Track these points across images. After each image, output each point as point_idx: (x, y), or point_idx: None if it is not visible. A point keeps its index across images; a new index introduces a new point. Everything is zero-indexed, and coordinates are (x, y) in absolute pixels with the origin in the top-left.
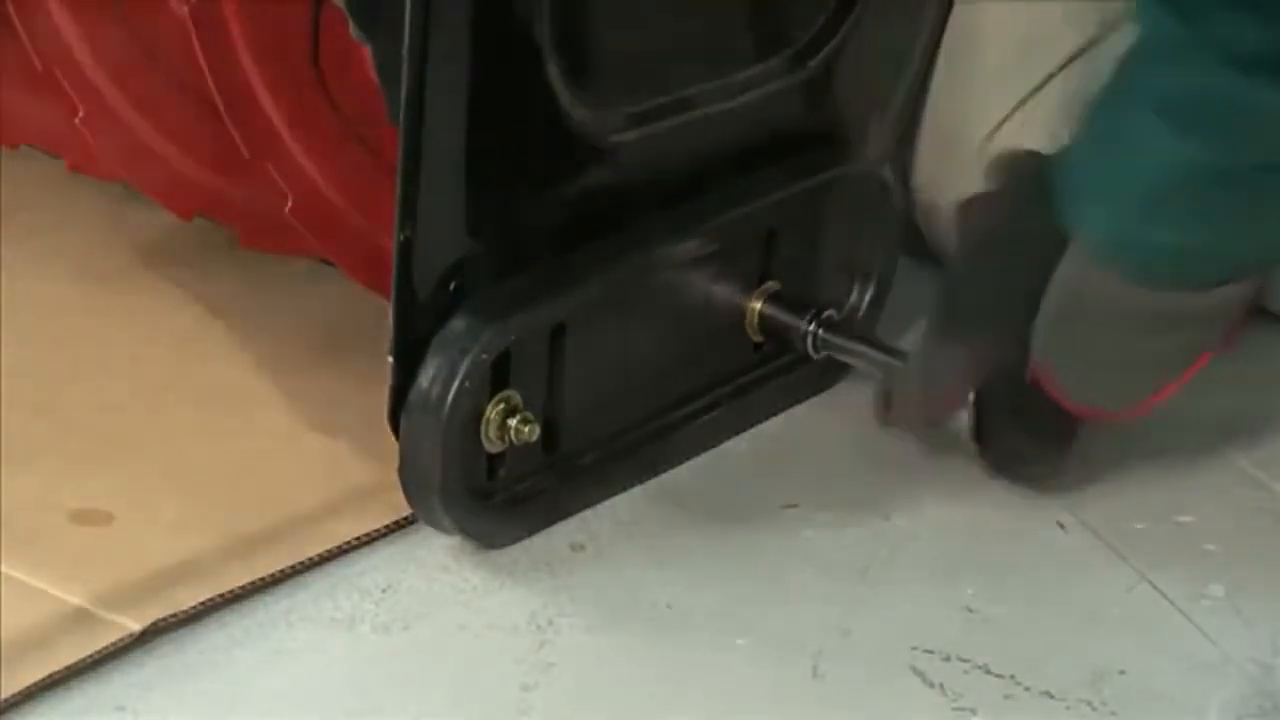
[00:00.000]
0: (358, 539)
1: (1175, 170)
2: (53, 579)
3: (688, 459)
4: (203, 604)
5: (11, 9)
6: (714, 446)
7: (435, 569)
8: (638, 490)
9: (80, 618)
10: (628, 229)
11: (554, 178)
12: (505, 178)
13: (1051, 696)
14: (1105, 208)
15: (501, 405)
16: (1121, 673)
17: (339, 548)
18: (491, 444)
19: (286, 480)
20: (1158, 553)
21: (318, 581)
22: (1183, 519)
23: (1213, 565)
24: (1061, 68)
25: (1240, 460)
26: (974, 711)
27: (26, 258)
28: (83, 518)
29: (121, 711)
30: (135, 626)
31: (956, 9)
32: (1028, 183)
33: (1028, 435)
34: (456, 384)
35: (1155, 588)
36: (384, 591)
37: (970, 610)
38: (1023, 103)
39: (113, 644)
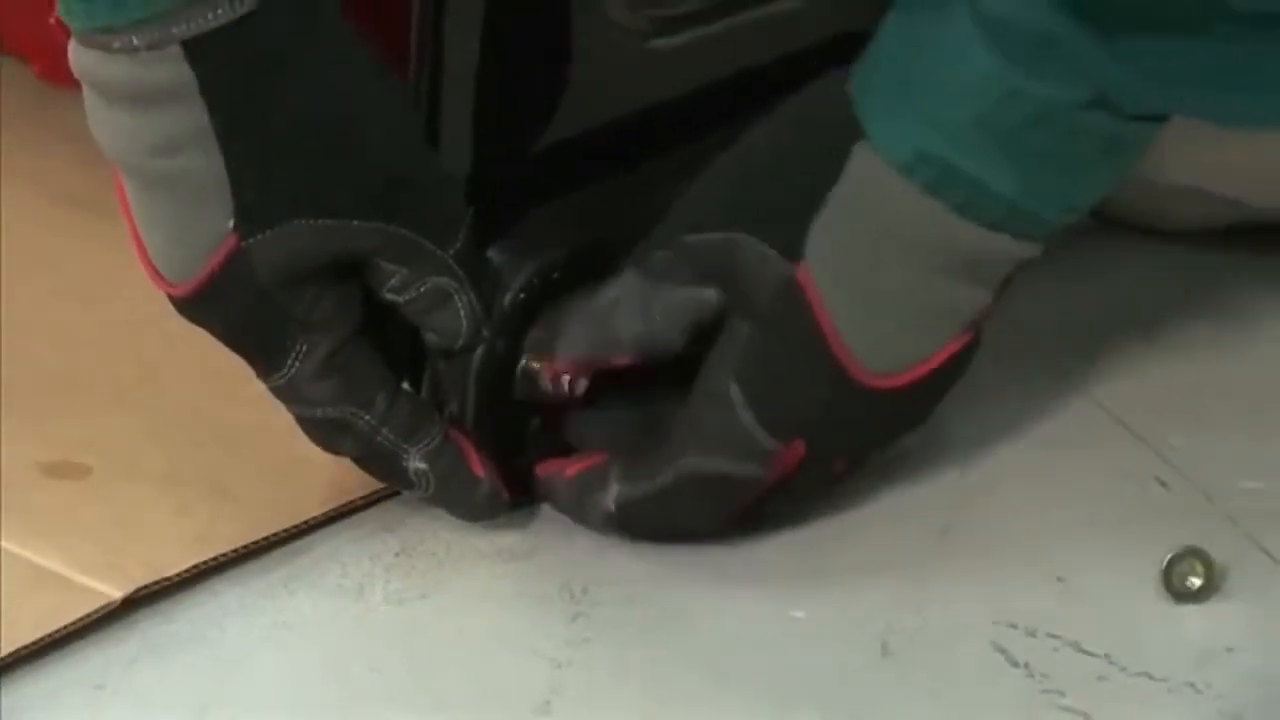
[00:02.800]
0: (367, 496)
1: (994, 97)
2: (22, 539)
3: None
4: (192, 569)
5: None
6: None
7: (456, 530)
8: None
9: (54, 583)
10: (673, 148)
11: (590, 85)
12: (534, 87)
13: (1151, 678)
14: (916, 123)
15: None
16: (1229, 651)
17: (346, 506)
18: (527, 392)
19: (286, 429)
20: (1272, 516)
21: (323, 545)
22: None
23: None
24: None
25: None
26: (1063, 694)
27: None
28: (56, 470)
29: (100, 690)
30: (116, 594)
31: None
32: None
33: None
34: (493, 326)
35: (1270, 555)
36: (397, 556)
37: (1060, 579)
38: None
39: (91, 614)
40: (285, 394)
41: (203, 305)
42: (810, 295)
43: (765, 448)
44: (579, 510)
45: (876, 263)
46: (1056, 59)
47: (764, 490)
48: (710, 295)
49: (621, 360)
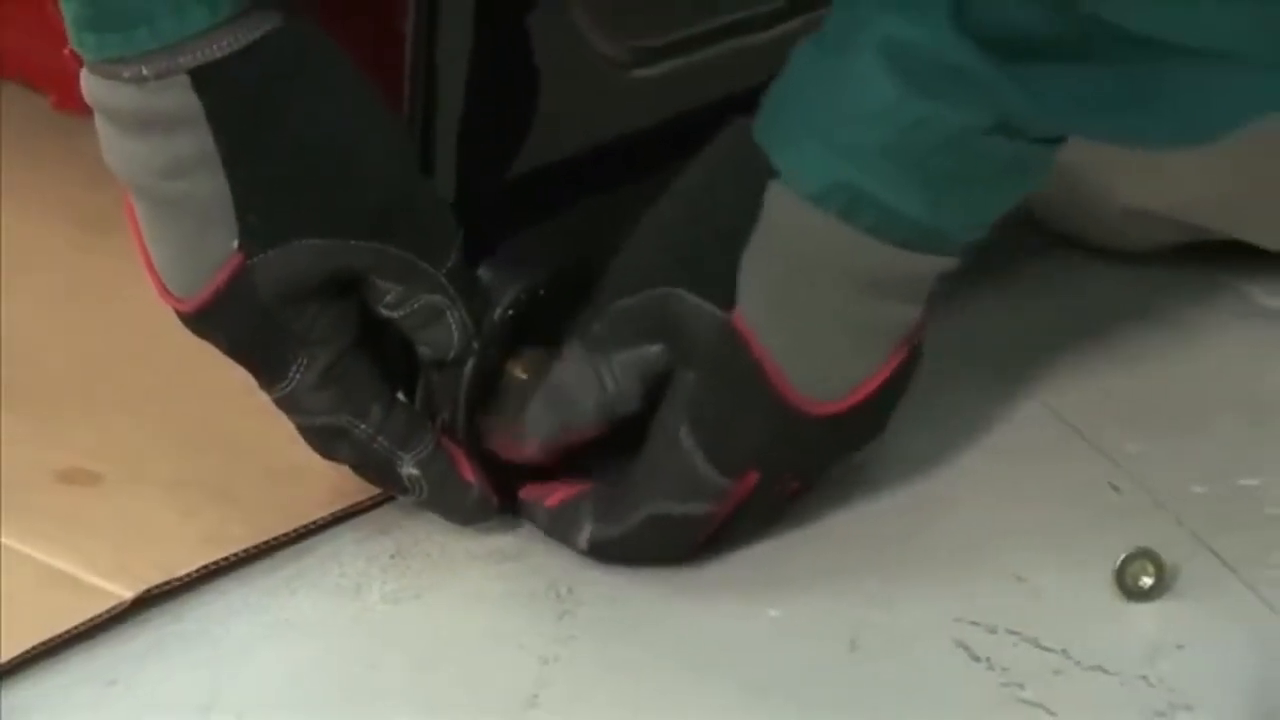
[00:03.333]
0: (365, 501)
1: (900, 125)
2: (38, 543)
3: None
4: (199, 570)
5: None
6: None
7: (449, 533)
8: None
9: (67, 584)
10: (654, 172)
11: (576, 114)
12: (522, 115)
13: (1105, 671)
14: (824, 153)
15: (527, 361)
16: (1180, 647)
17: (346, 510)
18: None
19: (289, 437)
20: (1219, 518)
21: (323, 546)
22: (1246, 482)
23: (1279, 531)
24: None
25: None
26: (1022, 687)
27: (10, 198)
28: (69, 477)
29: (113, 685)
30: (127, 594)
31: None
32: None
33: None
34: (482, 339)
35: (1216, 555)
36: (393, 558)
37: (1019, 579)
38: None
39: (103, 613)
40: (286, 404)
41: (208, 320)
42: (748, 337)
43: (719, 485)
44: (559, 539)
45: (804, 295)
46: (960, 87)
47: (721, 520)
48: (655, 350)
49: (589, 433)
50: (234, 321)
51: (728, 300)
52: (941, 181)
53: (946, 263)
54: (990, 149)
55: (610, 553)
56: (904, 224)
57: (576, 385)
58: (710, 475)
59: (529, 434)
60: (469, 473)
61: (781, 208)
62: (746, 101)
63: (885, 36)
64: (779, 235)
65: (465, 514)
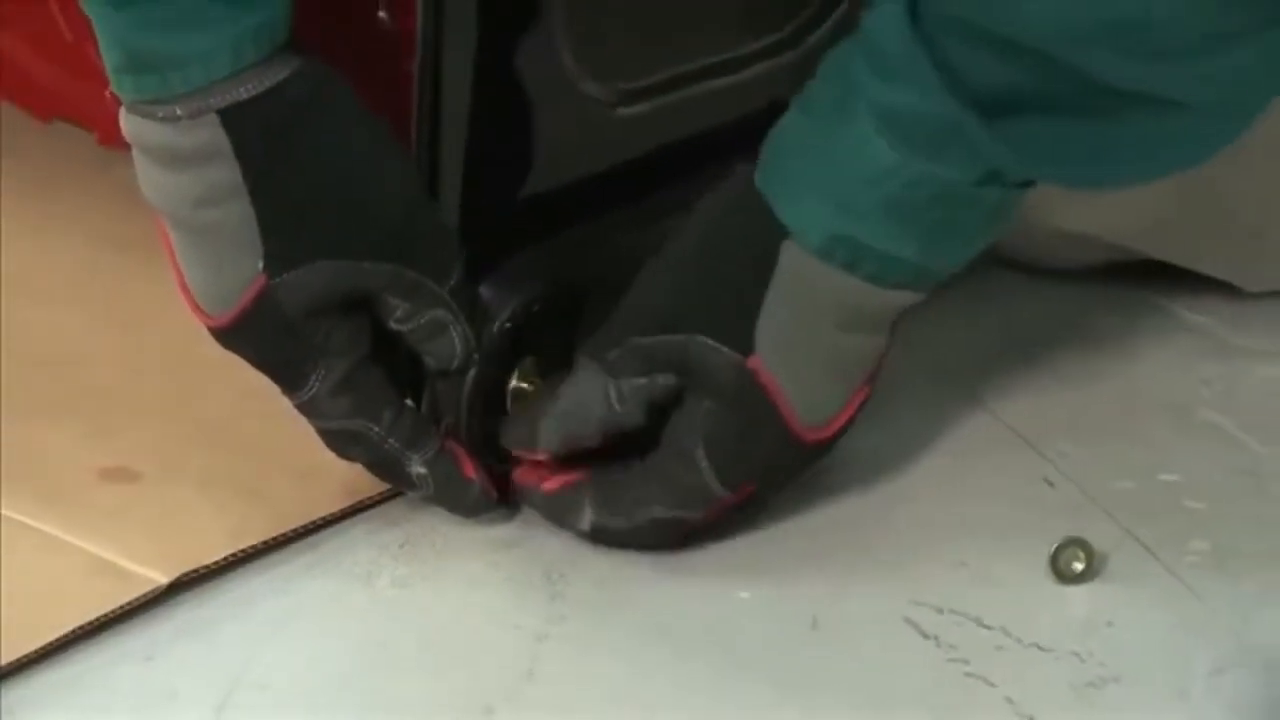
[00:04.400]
0: (376, 496)
1: (897, 184)
2: (83, 534)
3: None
4: (227, 558)
5: None
6: None
7: (452, 524)
8: None
9: (110, 571)
10: (638, 200)
11: (565, 149)
12: (518, 149)
13: (1041, 648)
14: (827, 210)
15: (518, 370)
16: (1109, 625)
17: (358, 504)
18: (511, 407)
19: (308, 439)
20: (1143, 510)
21: (337, 537)
22: (1167, 477)
23: (1196, 522)
24: None
25: (1222, 422)
26: (967, 662)
27: (57, 225)
28: (111, 475)
29: (150, 661)
30: (163, 580)
31: None
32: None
33: None
34: (482, 350)
35: (1141, 543)
36: (401, 547)
37: (963, 565)
38: None
39: (141, 596)
40: (307, 409)
41: (237, 335)
42: (764, 380)
43: (719, 496)
44: (554, 520)
45: (808, 337)
46: (952, 146)
47: (708, 521)
48: (667, 380)
49: (593, 444)
50: (259, 336)
51: (745, 345)
52: (935, 230)
53: (920, 296)
54: (979, 198)
55: (608, 540)
56: (900, 270)
57: (587, 404)
58: (715, 488)
59: (541, 445)
60: (470, 470)
61: (794, 264)
62: (722, 137)
63: (879, 103)
64: (793, 289)
65: (468, 507)
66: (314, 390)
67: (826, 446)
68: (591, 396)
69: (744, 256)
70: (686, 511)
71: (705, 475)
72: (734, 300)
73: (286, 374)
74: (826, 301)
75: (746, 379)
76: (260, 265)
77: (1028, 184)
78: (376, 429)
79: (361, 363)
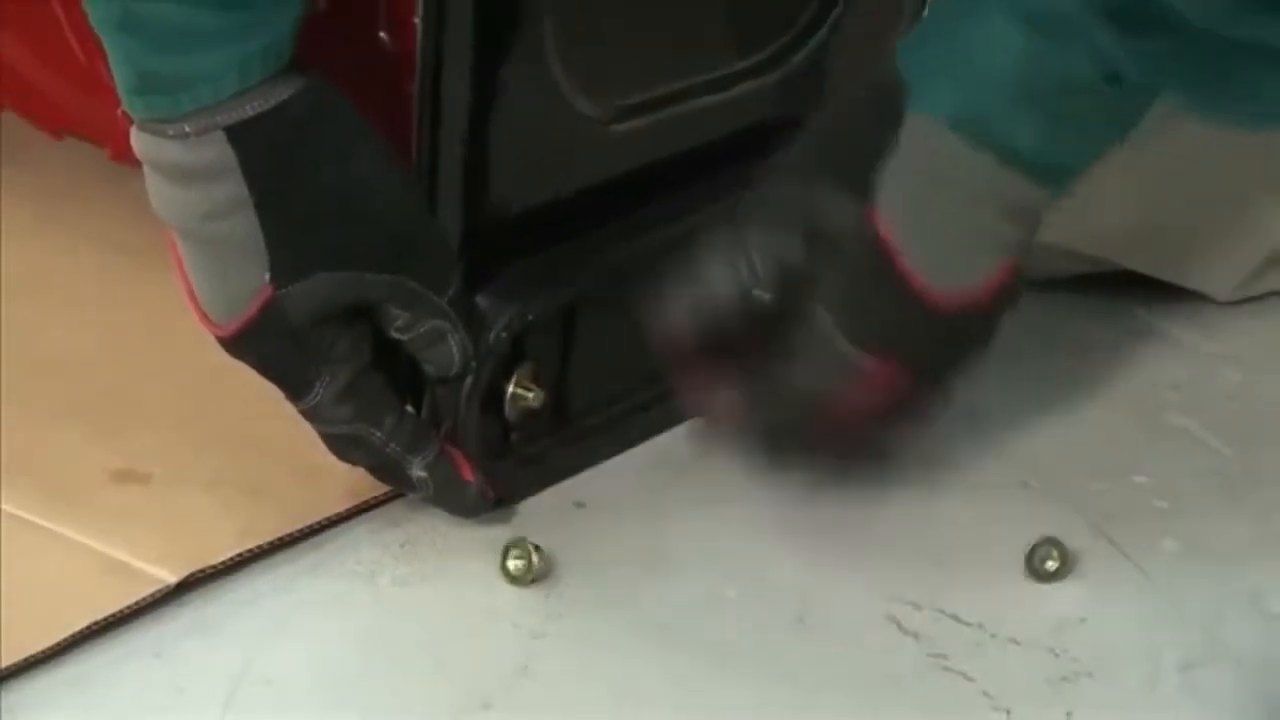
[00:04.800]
0: (378, 497)
1: (1024, 69)
2: (95, 535)
3: (683, 423)
4: (234, 558)
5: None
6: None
7: (450, 525)
8: (634, 453)
9: (120, 570)
10: (630, 213)
11: (559, 165)
12: (514, 165)
13: (1017, 643)
14: (960, 89)
15: (516, 376)
16: (1082, 622)
17: (360, 505)
18: (510, 411)
19: (311, 442)
20: (1114, 510)
21: (341, 537)
22: (1138, 479)
23: (1166, 522)
24: None
25: (1191, 425)
26: (946, 657)
27: (71, 236)
28: (121, 477)
29: (159, 657)
30: (171, 579)
31: None
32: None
33: None
34: (480, 358)
35: (1112, 542)
36: (402, 546)
37: (943, 563)
38: None
39: (150, 595)
40: (311, 415)
41: (243, 343)
42: (882, 230)
43: (856, 364)
44: (713, 427)
45: (933, 202)
46: (1079, 40)
47: (865, 408)
48: (794, 240)
49: (726, 319)
50: (265, 344)
51: (866, 194)
52: (1058, 121)
53: (1050, 198)
54: (1102, 94)
55: (779, 449)
56: (1022, 154)
57: (715, 271)
58: (845, 348)
59: (673, 322)
60: (468, 473)
61: (919, 130)
62: (710, 152)
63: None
64: (916, 149)
65: (466, 508)
66: (318, 397)
67: (967, 322)
68: (720, 263)
69: (875, 120)
70: (829, 382)
71: (830, 332)
72: (860, 154)
73: (291, 381)
74: (950, 173)
75: (865, 226)
76: (266, 276)
77: (1156, 92)
78: (378, 434)
79: (364, 370)
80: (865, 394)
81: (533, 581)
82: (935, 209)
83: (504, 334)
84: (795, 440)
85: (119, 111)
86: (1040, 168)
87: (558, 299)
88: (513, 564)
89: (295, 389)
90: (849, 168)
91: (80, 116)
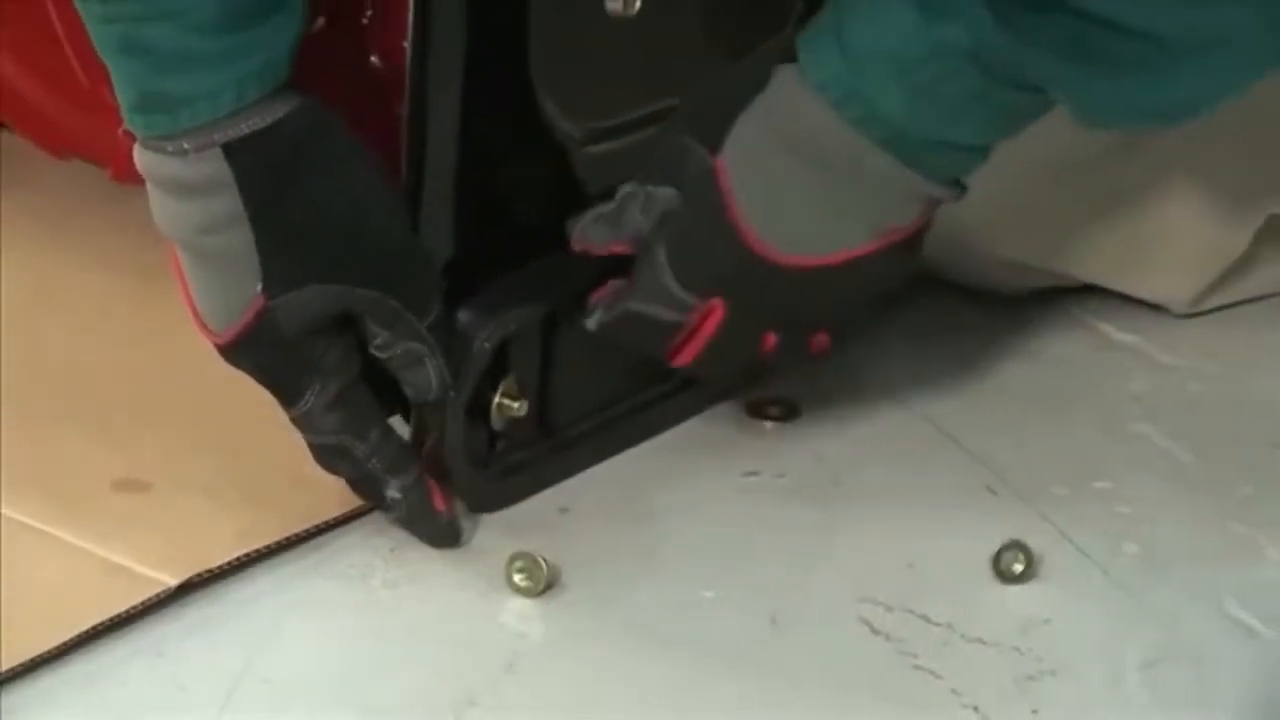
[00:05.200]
0: (369, 505)
1: (896, 36)
2: (98, 540)
3: (661, 432)
4: (233, 561)
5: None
6: (685, 420)
7: None
8: (615, 460)
9: (123, 574)
10: None
11: (540, 183)
12: (498, 183)
13: (984, 643)
14: (838, 55)
15: (501, 387)
16: (1046, 622)
17: (353, 512)
18: (494, 422)
19: (306, 451)
20: (1078, 515)
21: (334, 541)
22: (1100, 485)
23: (1127, 525)
24: None
25: (1151, 433)
26: (916, 656)
27: (76, 253)
28: (124, 486)
29: (161, 656)
30: (172, 581)
31: None
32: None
33: None
34: (462, 369)
35: (1076, 546)
36: (392, 550)
37: (911, 566)
38: None
39: (152, 597)
40: (301, 422)
41: (239, 351)
42: (722, 181)
43: (683, 300)
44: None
45: (778, 162)
46: (959, 17)
47: (690, 339)
48: (671, 193)
49: (619, 249)
50: (259, 352)
51: (715, 149)
52: (925, 94)
53: (919, 183)
54: (964, 73)
55: (605, 336)
56: (883, 123)
57: (623, 209)
58: (675, 289)
59: (581, 238)
60: (440, 503)
61: (784, 85)
62: None
63: None
64: (773, 101)
65: (432, 537)
66: (309, 404)
67: (830, 292)
68: (627, 210)
69: (749, 73)
70: (657, 310)
71: (663, 272)
72: (720, 107)
73: (284, 388)
74: (805, 130)
75: (707, 177)
76: (259, 287)
77: (1023, 89)
78: (362, 446)
79: (353, 383)
80: (693, 326)
81: (541, 593)
82: (781, 170)
83: (486, 344)
84: (622, 339)
85: (120, 132)
86: (909, 144)
87: (538, 311)
88: (518, 577)
89: (288, 396)
90: (704, 117)
91: (83, 138)
